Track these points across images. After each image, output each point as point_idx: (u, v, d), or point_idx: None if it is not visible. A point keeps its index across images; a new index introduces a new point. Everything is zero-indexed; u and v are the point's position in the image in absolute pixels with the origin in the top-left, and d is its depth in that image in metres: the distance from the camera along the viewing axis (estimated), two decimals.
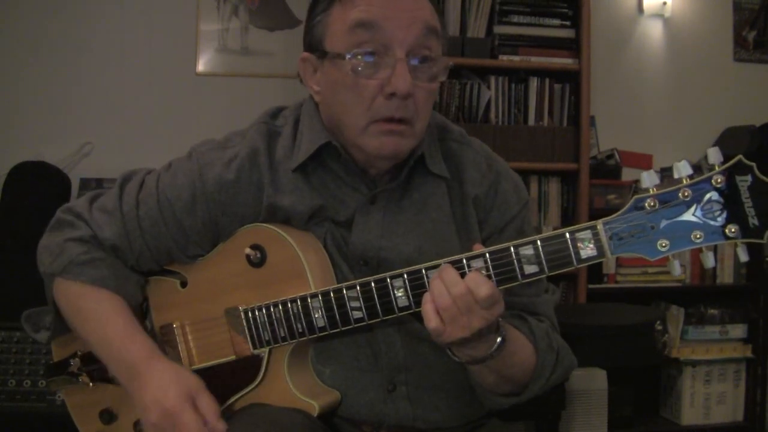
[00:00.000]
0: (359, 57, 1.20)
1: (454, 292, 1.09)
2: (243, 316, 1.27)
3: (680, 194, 1.03)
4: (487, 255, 1.11)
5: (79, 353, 1.42)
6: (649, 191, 1.04)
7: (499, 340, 1.16)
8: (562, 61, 3.14)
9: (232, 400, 1.30)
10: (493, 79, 3.09)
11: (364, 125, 1.22)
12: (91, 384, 1.41)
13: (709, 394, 3.27)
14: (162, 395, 1.20)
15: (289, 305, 1.23)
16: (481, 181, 1.34)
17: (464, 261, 1.12)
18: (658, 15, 3.64)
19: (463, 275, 1.10)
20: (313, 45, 1.27)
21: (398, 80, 1.18)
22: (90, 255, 1.31)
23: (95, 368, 1.40)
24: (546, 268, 1.09)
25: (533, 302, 1.34)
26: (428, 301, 1.11)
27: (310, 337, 1.23)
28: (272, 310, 1.25)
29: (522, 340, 1.25)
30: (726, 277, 3.33)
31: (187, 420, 1.18)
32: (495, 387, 1.26)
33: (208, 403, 1.21)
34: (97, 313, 1.30)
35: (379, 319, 1.19)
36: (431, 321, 1.10)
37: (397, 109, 1.21)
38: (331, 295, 1.20)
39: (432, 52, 1.23)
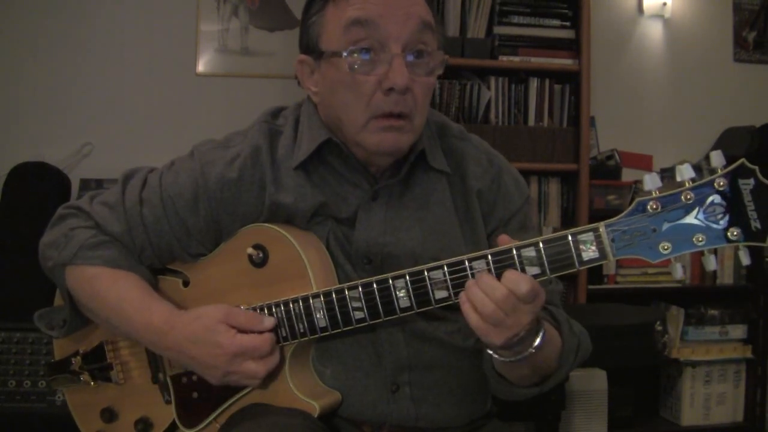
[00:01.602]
0: (355, 54, 1.21)
1: (496, 297, 1.07)
2: None
3: (682, 197, 1.03)
4: (489, 256, 1.11)
5: (80, 352, 1.42)
6: (651, 194, 1.04)
7: (541, 333, 1.16)
8: (562, 62, 3.14)
9: (233, 400, 1.30)
10: (493, 80, 3.09)
11: (363, 122, 1.23)
12: (92, 383, 1.42)
13: (709, 395, 3.27)
14: (218, 349, 1.22)
15: (291, 305, 1.23)
16: (483, 175, 1.35)
17: (466, 262, 1.12)
18: (658, 15, 3.64)
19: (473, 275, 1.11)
20: (310, 46, 1.27)
21: (396, 75, 1.19)
22: (99, 238, 1.32)
23: (96, 367, 1.41)
24: (548, 270, 1.09)
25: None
26: (471, 312, 1.10)
27: (312, 337, 1.24)
28: (274, 310, 1.25)
29: (551, 329, 1.26)
30: (726, 277, 3.33)
31: (255, 344, 1.22)
32: (523, 380, 1.25)
33: (244, 318, 1.24)
34: (113, 292, 1.31)
35: (380, 320, 1.19)
36: (480, 329, 1.10)
37: (395, 104, 1.21)
38: (333, 295, 1.20)
39: (428, 46, 1.24)
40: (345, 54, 1.21)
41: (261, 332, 1.23)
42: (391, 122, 1.22)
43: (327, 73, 1.25)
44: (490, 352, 1.17)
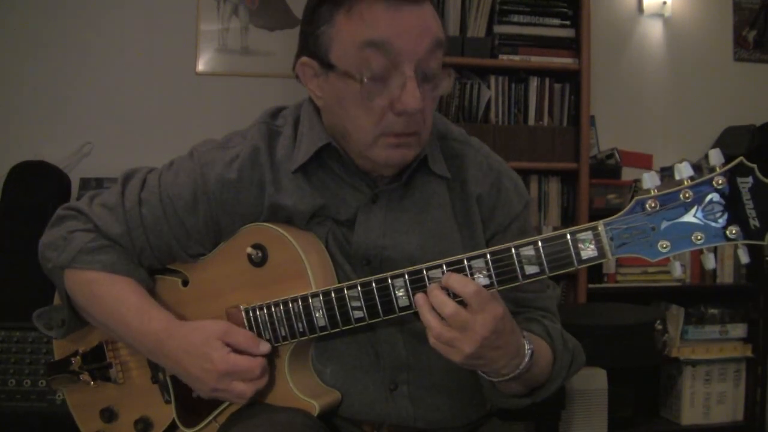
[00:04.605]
0: (369, 76, 1.17)
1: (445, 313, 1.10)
2: (244, 316, 1.27)
3: (681, 195, 1.02)
4: (488, 255, 1.11)
5: (80, 352, 1.42)
6: (650, 192, 1.04)
7: (527, 356, 1.17)
8: (562, 61, 3.14)
9: None
10: (493, 79, 3.09)
11: (372, 139, 1.22)
12: (92, 383, 1.41)
13: (709, 394, 3.27)
14: (209, 365, 1.22)
15: (290, 305, 1.23)
16: (483, 179, 1.35)
17: (465, 262, 1.12)
18: (658, 15, 3.64)
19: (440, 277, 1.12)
20: (318, 55, 1.23)
21: (409, 99, 1.17)
22: (98, 242, 1.32)
23: (96, 367, 1.41)
24: (547, 269, 1.09)
25: (538, 297, 1.35)
26: (431, 336, 1.12)
27: (311, 336, 1.23)
28: (273, 309, 1.25)
29: (543, 346, 1.26)
30: (726, 276, 3.33)
31: (246, 366, 1.22)
32: (516, 392, 1.27)
33: (242, 339, 1.24)
34: (111, 297, 1.31)
35: (379, 319, 1.19)
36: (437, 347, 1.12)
37: (406, 125, 1.20)
38: (332, 294, 1.20)
39: (438, 65, 1.21)
40: (358, 75, 1.17)
41: (255, 355, 1.24)
42: (400, 140, 1.22)
43: (336, 86, 1.22)
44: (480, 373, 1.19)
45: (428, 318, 1.11)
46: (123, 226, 1.32)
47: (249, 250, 1.27)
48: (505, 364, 1.15)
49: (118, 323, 1.31)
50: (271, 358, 1.27)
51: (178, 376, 1.30)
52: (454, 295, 1.11)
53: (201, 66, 3.30)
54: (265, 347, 1.24)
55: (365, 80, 1.17)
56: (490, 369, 1.16)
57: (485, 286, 1.11)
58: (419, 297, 1.12)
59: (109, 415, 1.41)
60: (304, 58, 1.26)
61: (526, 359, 1.17)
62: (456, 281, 1.10)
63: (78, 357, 1.42)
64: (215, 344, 1.23)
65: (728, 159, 1.02)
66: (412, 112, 1.18)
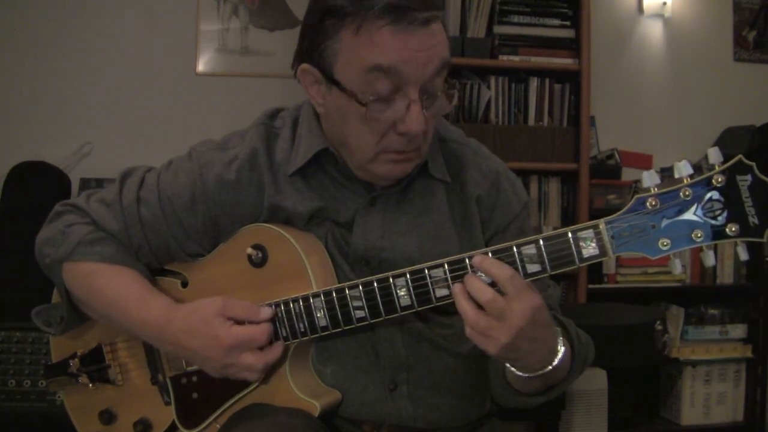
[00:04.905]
0: (373, 98, 1.16)
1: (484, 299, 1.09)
2: None
3: (681, 194, 1.03)
4: (490, 254, 1.11)
5: (78, 353, 1.42)
6: (650, 191, 1.05)
7: (561, 351, 1.15)
8: (562, 61, 3.14)
9: (234, 399, 1.30)
10: (493, 79, 3.09)
11: (372, 155, 1.22)
12: (90, 385, 1.41)
13: (709, 394, 3.27)
14: (214, 342, 1.21)
15: (291, 305, 1.23)
16: (482, 180, 1.35)
17: (467, 261, 1.12)
18: (658, 15, 3.64)
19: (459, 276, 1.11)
20: (320, 66, 1.21)
21: (412, 122, 1.16)
22: (96, 234, 1.31)
23: (95, 369, 1.40)
24: (548, 267, 1.10)
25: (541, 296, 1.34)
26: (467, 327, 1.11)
27: (312, 336, 1.23)
28: (274, 309, 1.25)
29: (566, 343, 1.25)
30: (726, 277, 3.33)
31: (251, 335, 1.21)
32: (534, 391, 1.25)
33: (240, 309, 1.23)
34: (110, 288, 1.30)
35: (381, 319, 1.19)
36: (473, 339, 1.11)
37: (408, 144, 1.20)
38: (334, 294, 1.20)
39: (443, 79, 1.20)
40: (362, 97, 1.16)
41: (258, 323, 1.23)
42: (402, 156, 1.22)
43: (338, 101, 1.20)
44: (511, 368, 1.17)
45: (464, 306, 1.10)
46: (120, 223, 1.31)
47: (249, 250, 1.27)
48: (540, 359, 1.14)
49: (119, 314, 1.30)
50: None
51: (186, 359, 1.30)
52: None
53: (201, 66, 3.30)
54: (266, 313, 1.23)
55: (369, 102, 1.16)
56: (524, 363, 1.14)
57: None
58: (457, 286, 1.11)
59: (108, 416, 1.40)
60: (306, 65, 1.24)
61: (560, 356, 1.15)
62: (490, 264, 1.09)
63: (76, 359, 1.42)
64: (216, 321, 1.22)
65: (728, 159, 1.02)
66: (416, 134, 1.18)
